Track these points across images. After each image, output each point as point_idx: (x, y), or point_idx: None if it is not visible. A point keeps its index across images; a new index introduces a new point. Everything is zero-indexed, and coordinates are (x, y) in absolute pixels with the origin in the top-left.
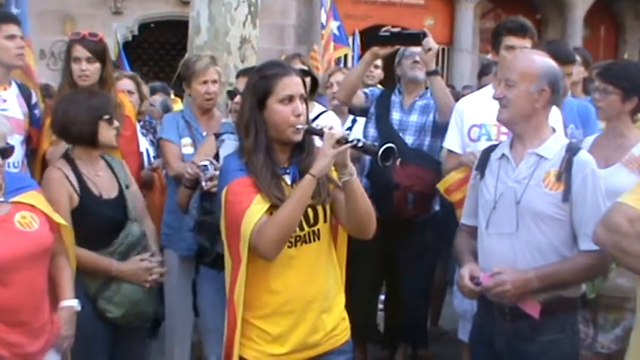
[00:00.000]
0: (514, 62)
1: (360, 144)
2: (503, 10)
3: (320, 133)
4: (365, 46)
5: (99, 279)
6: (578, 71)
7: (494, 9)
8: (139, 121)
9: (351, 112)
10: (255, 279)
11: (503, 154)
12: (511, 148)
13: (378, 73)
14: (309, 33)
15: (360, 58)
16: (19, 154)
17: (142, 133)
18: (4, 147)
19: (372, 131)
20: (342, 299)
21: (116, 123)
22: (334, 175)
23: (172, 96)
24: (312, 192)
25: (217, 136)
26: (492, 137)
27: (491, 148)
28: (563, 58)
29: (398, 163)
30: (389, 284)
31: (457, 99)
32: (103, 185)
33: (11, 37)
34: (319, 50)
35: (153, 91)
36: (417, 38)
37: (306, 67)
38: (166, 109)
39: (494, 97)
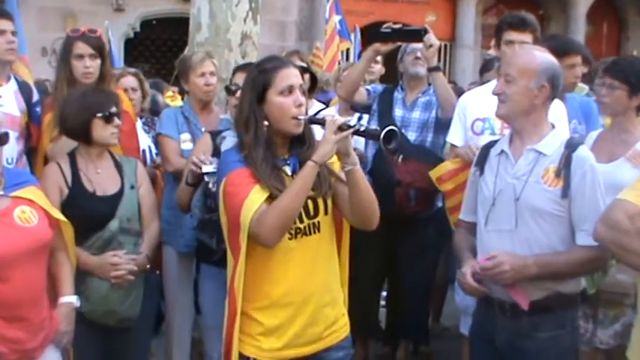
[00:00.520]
0: (513, 58)
1: (362, 128)
2: (506, 5)
3: (322, 122)
4: (366, 43)
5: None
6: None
7: (496, 5)
8: (141, 118)
9: (353, 108)
10: (255, 270)
11: (502, 150)
12: (510, 144)
13: (378, 68)
14: (310, 29)
15: (360, 54)
16: (13, 150)
17: (145, 130)
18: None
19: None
20: (342, 294)
21: (116, 121)
22: (336, 167)
23: (171, 92)
24: (313, 183)
25: (211, 133)
26: (496, 131)
27: (490, 144)
28: (562, 49)
29: (400, 159)
30: (391, 281)
31: (459, 95)
32: (101, 182)
33: (1, 32)
34: (322, 47)
35: None
36: (418, 34)
37: (304, 64)
38: (154, 104)
39: (494, 93)
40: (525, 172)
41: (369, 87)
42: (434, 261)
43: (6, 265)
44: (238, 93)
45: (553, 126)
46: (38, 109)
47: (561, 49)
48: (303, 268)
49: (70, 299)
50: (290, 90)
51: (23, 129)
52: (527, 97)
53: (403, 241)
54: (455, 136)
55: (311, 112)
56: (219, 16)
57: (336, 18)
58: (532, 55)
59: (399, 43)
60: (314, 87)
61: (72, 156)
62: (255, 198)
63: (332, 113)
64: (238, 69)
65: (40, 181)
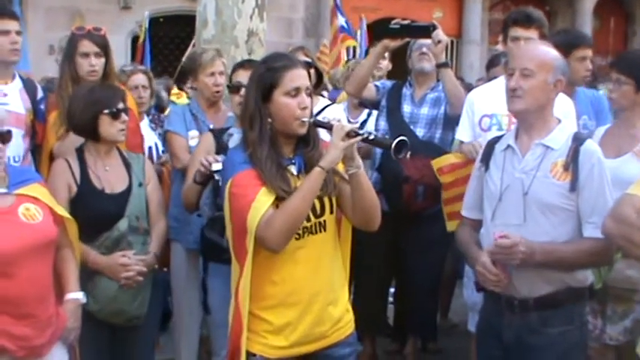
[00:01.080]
0: (529, 52)
1: (371, 137)
2: (512, 1)
3: (328, 126)
4: (374, 39)
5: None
6: None
7: (502, 1)
8: (148, 115)
9: (361, 104)
10: (261, 271)
11: (508, 146)
12: (516, 139)
13: (386, 64)
14: (317, 26)
15: (367, 48)
16: (19, 147)
17: (151, 128)
18: (2, 131)
19: (382, 124)
20: (346, 291)
21: (124, 117)
22: (340, 167)
23: (176, 90)
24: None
25: (213, 131)
26: (503, 127)
27: (495, 140)
28: (573, 42)
29: (408, 155)
30: (398, 277)
31: (468, 90)
32: (109, 180)
33: (5, 32)
34: (328, 44)
35: None
36: (426, 30)
37: (309, 60)
38: (158, 99)
39: (509, 88)
40: (533, 166)
41: (377, 83)
42: (441, 257)
43: (12, 262)
44: (242, 91)
45: (559, 120)
46: (42, 106)
47: (572, 41)
48: (309, 267)
49: (76, 295)
50: (296, 91)
51: (29, 127)
52: (545, 92)
53: (411, 237)
54: (463, 132)
55: (316, 109)
56: (226, 13)
57: (341, 20)
58: (547, 49)
59: (407, 39)
60: (319, 83)
61: (80, 153)
62: (262, 201)
63: (338, 117)
64: (238, 66)
65: (48, 177)
